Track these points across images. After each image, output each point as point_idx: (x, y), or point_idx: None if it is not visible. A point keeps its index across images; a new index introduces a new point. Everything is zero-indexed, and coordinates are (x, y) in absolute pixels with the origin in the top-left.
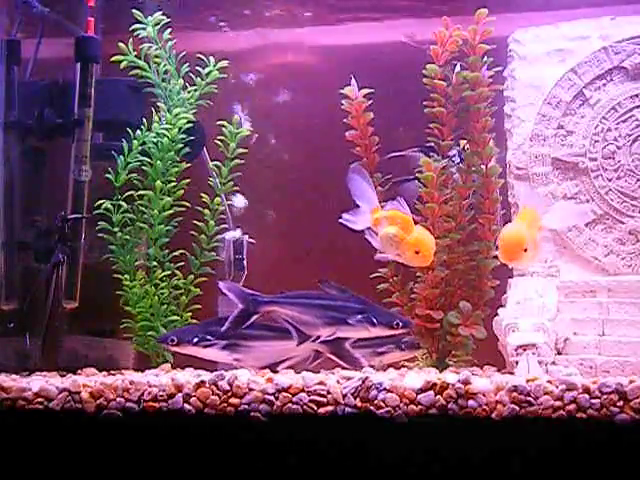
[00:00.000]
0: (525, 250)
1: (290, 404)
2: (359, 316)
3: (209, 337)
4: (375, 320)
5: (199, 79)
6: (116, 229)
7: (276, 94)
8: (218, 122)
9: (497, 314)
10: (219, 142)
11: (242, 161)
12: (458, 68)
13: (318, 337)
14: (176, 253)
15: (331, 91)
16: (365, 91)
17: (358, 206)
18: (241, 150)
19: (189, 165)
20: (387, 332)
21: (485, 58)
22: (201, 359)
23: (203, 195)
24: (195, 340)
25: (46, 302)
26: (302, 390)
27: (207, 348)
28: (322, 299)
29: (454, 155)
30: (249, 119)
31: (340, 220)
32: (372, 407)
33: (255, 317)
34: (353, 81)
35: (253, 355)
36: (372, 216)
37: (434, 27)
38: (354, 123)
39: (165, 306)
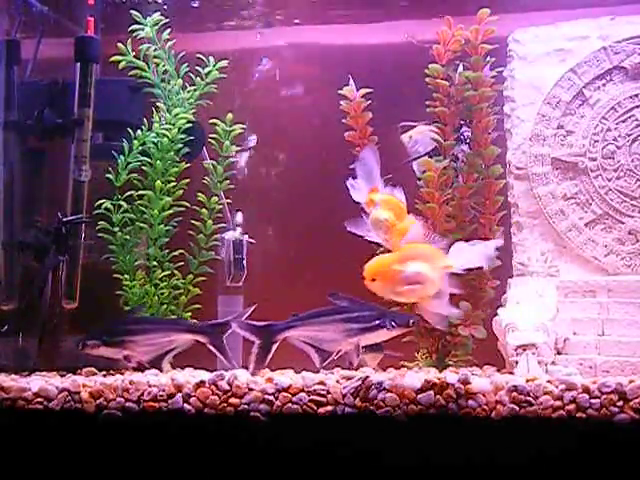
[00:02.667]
0: (373, 280)
1: (290, 404)
2: (376, 322)
3: (97, 337)
4: (393, 322)
5: (198, 79)
6: (116, 229)
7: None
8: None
9: (497, 314)
10: (214, 141)
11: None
12: (461, 68)
13: (339, 352)
14: (176, 253)
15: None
16: (364, 91)
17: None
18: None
19: (189, 165)
20: (405, 331)
21: (487, 58)
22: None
23: (201, 195)
24: (84, 342)
25: (42, 302)
26: (302, 390)
27: (99, 347)
28: (337, 313)
29: (461, 134)
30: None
31: (347, 182)
32: (372, 407)
33: (275, 346)
34: (351, 81)
35: (140, 349)
36: (368, 195)
37: (435, 27)
38: (353, 123)
39: (165, 306)
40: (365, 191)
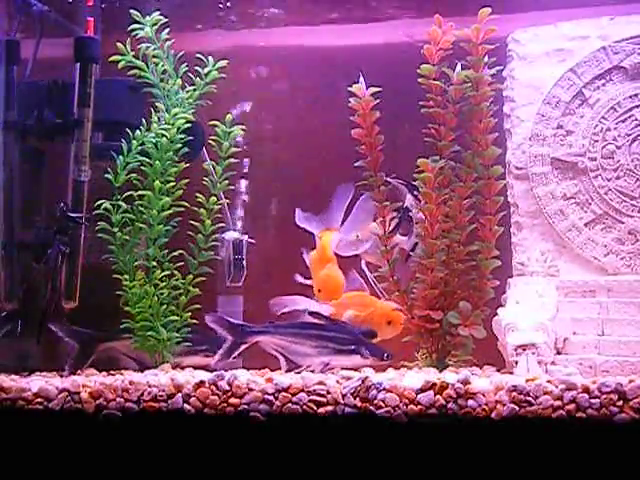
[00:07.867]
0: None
1: (290, 404)
2: (352, 347)
3: None
4: (368, 352)
5: (197, 79)
6: (115, 229)
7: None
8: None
9: (497, 314)
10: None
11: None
12: (459, 68)
13: (308, 367)
14: (175, 253)
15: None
16: (373, 89)
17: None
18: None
19: (188, 165)
20: (378, 363)
21: (486, 58)
22: None
23: (200, 195)
24: None
25: (44, 295)
26: (302, 390)
27: None
28: (314, 329)
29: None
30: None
31: (303, 214)
32: (372, 407)
33: (245, 347)
34: (361, 79)
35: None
36: (321, 230)
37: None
38: (360, 121)
39: (164, 306)
40: (321, 225)
